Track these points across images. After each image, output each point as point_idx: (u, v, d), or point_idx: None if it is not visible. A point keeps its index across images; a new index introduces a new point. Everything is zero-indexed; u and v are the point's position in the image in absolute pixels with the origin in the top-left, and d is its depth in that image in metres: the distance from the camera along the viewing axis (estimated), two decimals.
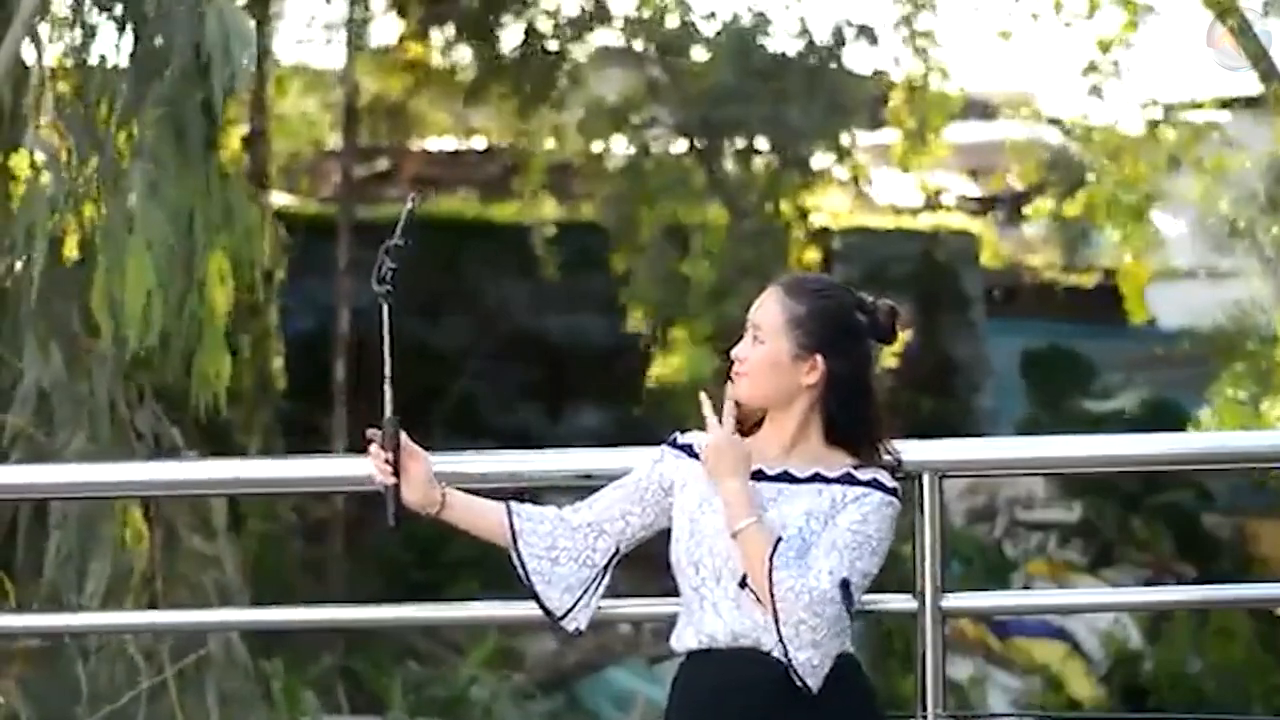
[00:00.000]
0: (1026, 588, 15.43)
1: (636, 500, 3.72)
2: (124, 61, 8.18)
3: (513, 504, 3.76)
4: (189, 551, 8.36)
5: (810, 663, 3.48)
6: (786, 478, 3.61)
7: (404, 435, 3.76)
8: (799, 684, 3.50)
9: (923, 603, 4.02)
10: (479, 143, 19.29)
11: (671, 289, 15.43)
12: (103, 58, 8.26)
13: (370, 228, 16.74)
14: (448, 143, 19.33)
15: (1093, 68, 13.85)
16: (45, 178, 7.93)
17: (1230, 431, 11.63)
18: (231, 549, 8.68)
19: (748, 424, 3.69)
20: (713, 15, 15.47)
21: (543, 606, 3.73)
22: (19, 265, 7.88)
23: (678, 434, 3.77)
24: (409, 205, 3.73)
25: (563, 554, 3.72)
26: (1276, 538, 16.44)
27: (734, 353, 3.66)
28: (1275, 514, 16.17)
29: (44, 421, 7.82)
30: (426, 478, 3.74)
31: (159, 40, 7.96)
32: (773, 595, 3.46)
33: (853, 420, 3.61)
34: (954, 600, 4.11)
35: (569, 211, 17.47)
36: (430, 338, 16.90)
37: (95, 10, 8.22)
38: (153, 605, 8.01)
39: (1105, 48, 13.50)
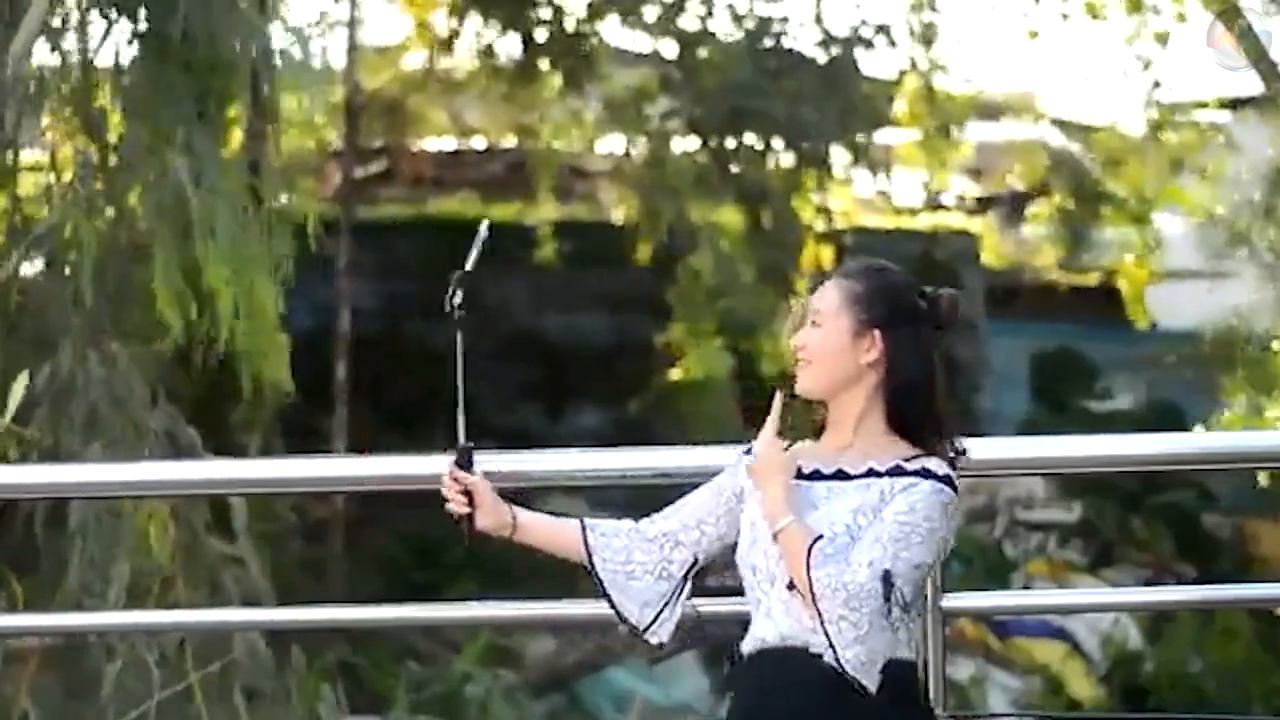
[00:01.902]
0: (1026, 588, 15.43)
1: (710, 510, 3.70)
2: (135, 59, 8.20)
3: (587, 520, 3.73)
4: (208, 552, 8.36)
5: (859, 659, 3.42)
6: (841, 475, 3.56)
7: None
8: (853, 685, 3.44)
9: (923, 602, 4.02)
10: (479, 143, 19.27)
11: (679, 287, 15.41)
12: (132, 56, 8.28)
13: (370, 228, 16.77)
14: (448, 143, 19.31)
15: (1147, 65, 13.78)
16: (69, 177, 7.96)
17: (1230, 431, 11.62)
18: (254, 550, 8.68)
19: (816, 430, 3.66)
20: (731, 9, 15.44)
21: (624, 620, 3.71)
22: (40, 266, 7.90)
23: (753, 443, 3.71)
24: (483, 233, 3.73)
25: (639, 568, 3.70)
26: (1276, 538, 16.43)
27: (794, 341, 3.60)
28: (1275, 514, 16.16)
29: (65, 422, 7.82)
30: (495, 501, 3.73)
31: (184, 37, 7.98)
32: (813, 594, 3.43)
33: (914, 405, 3.56)
34: (954, 600, 4.11)
35: (571, 210, 17.46)
36: (430, 338, 16.88)
37: (114, 9, 8.24)
38: (171, 607, 8.02)
39: (1163, 40, 13.43)
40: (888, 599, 3.42)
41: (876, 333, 3.55)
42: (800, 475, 3.58)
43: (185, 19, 7.88)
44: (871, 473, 3.54)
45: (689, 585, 3.72)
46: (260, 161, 9.04)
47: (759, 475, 3.56)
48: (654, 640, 3.71)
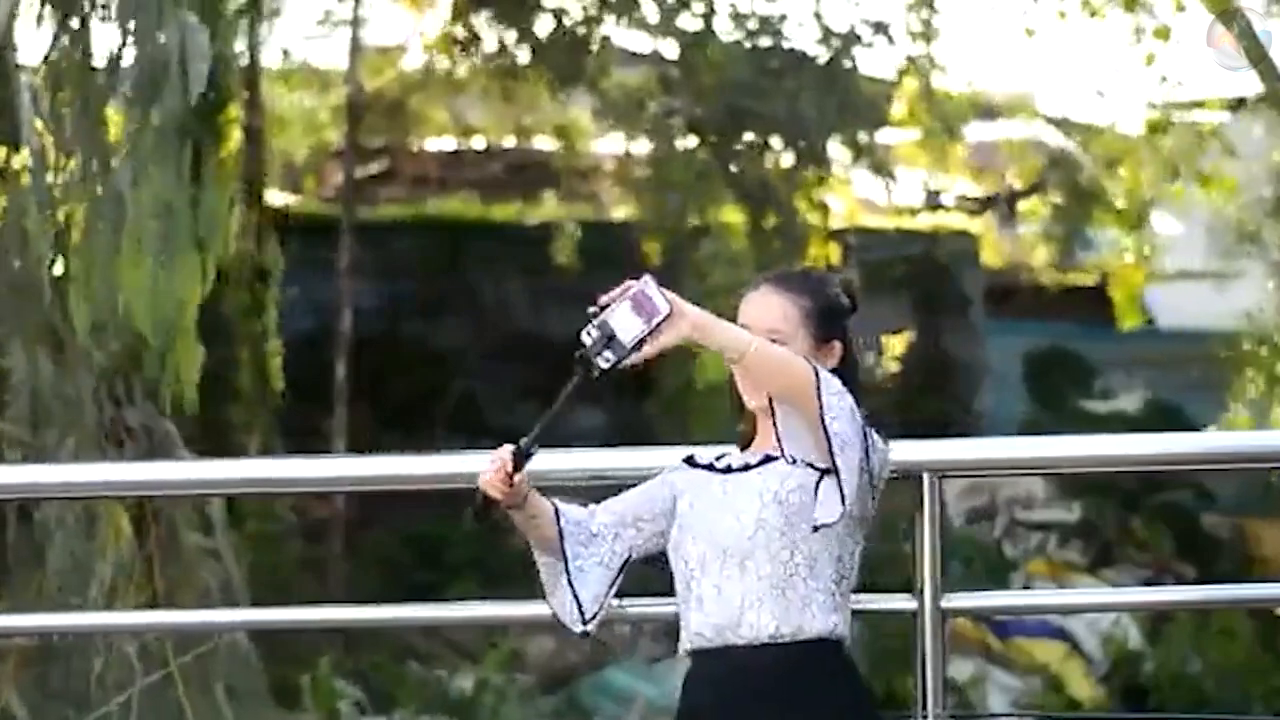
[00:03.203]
0: (1026, 588, 15.43)
1: (647, 508, 3.74)
2: (97, 62, 8.23)
3: (559, 506, 3.73)
4: (188, 547, 8.38)
5: (839, 430, 3.43)
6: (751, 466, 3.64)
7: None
8: (787, 668, 3.49)
9: (923, 603, 4.03)
10: (479, 142, 19.28)
11: (682, 287, 15.36)
12: (84, 58, 8.29)
13: (371, 228, 16.78)
14: (448, 143, 19.32)
15: (1150, 59, 13.79)
16: (26, 178, 7.97)
17: (1230, 431, 11.64)
18: (230, 543, 8.69)
19: (746, 440, 3.71)
20: (732, 7, 15.43)
21: (580, 608, 3.70)
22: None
23: (694, 454, 3.77)
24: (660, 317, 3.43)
25: (589, 560, 3.73)
26: (1276, 538, 16.43)
27: None
28: (1275, 514, 16.16)
29: (33, 421, 7.83)
30: (522, 493, 3.65)
31: (124, 45, 8.00)
32: (819, 385, 3.43)
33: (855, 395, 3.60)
34: (954, 600, 4.11)
35: (572, 210, 17.46)
36: (430, 338, 16.89)
37: (65, 13, 8.25)
38: (153, 602, 8.03)
39: (1164, 35, 13.43)
40: (865, 432, 3.47)
41: (836, 345, 3.66)
42: (732, 470, 3.65)
43: (143, 28, 7.90)
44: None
45: (622, 577, 3.75)
46: (251, 163, 9.06)
47: (688, 316, 3.45)
48: (590, 629, 3.72)
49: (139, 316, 7.80)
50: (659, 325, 3.39)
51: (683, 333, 3.42)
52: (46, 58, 8.31)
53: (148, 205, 7.83)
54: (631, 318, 3.39)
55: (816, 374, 3.44)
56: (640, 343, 3.39)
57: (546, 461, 4.13)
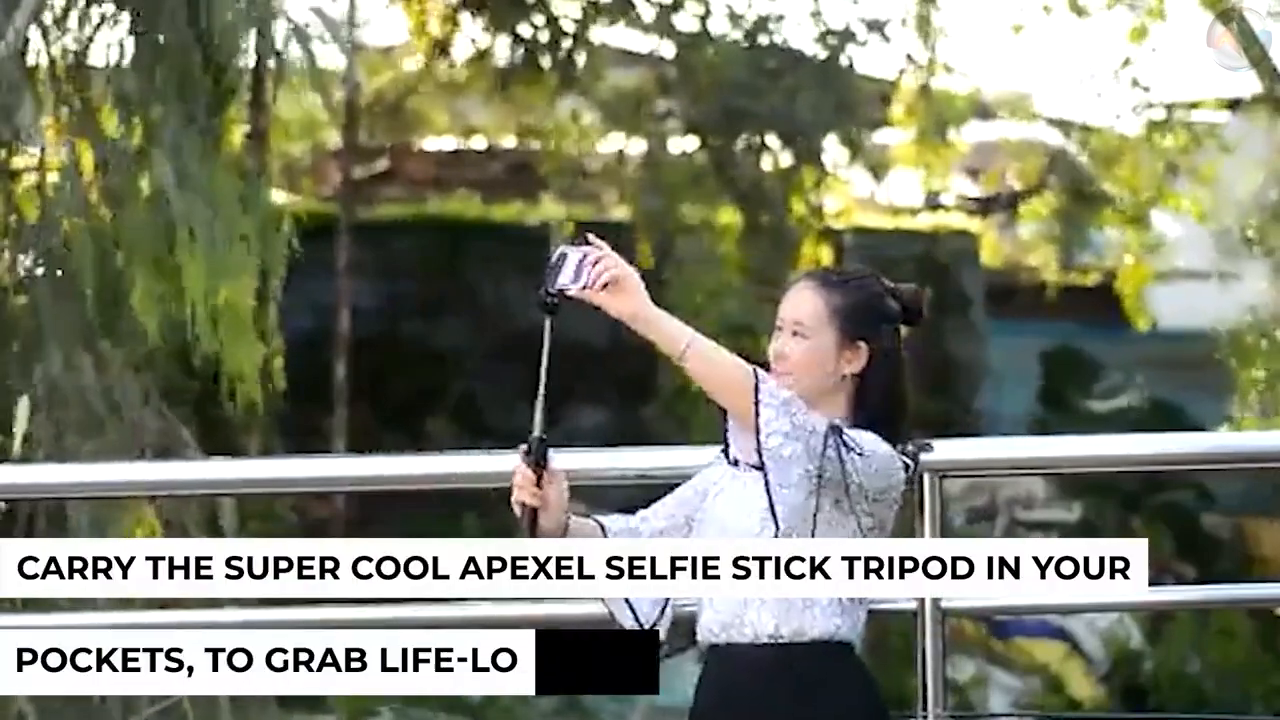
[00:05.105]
0: None
1: (693, 507, 3.70)
2: (129, 58, 8.22)
3: (605, 525, 3.68)
4: None
5: (774, 445, 3.40)
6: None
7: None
8: (788, 667, 3.47)
9: (923, 603, 4.03)
10: (479, 142, 19.29)
11: (679, 288, 15.38)
12: (114, 54, 8.28)
13: (370, 228, 16.78)
14: (448, 142, 19.32)
15: (1126, 61, 13.80)
16: (55, 177, 7.96)
17: (1231, 432, 11.64)
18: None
19: None
20: (729, 8, 15.43)
21: (637, 620, 3.68)
22: (26, 266, 7.91)
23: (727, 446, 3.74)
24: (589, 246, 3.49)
25: None
26: (1276, 538, 16.44)
27: (773, 351, 3.59)
28: (1275, 514, 16.17)
29: (56, 423, 7.83)
30: (564, 504, 3.59)
31: (169, 37, 7.99)
32: (758, 393, 3.38)
33: (885, 407, 3.57)
34: (954, 600, 4.11)
35: (571, 210, 17.47)
36: (430, 338, 16.89)
37: (100, 4, 8.25)
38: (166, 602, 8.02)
39: (1141, 35, 13.44)
40: (826, 445, 3.41)
41: (863, 345, 3.57)
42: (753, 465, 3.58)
43: (177, 16, 7.88)
44: None
45: None
46: (253, 163, 9.04)
47: (631, 303, 3.44)
48: (661, 635, 3.69)
49: (199, 318, 7.78)
50: (557, 297, 3.43)
51: (623, 315, 3.44)
52: (70, 56, 8.30)
53: (195, 203, 7.81)
54: (570, 270, 3.46)
55: (757, 382, 3.39)
56: (561, 292, 3.45)
57: None
